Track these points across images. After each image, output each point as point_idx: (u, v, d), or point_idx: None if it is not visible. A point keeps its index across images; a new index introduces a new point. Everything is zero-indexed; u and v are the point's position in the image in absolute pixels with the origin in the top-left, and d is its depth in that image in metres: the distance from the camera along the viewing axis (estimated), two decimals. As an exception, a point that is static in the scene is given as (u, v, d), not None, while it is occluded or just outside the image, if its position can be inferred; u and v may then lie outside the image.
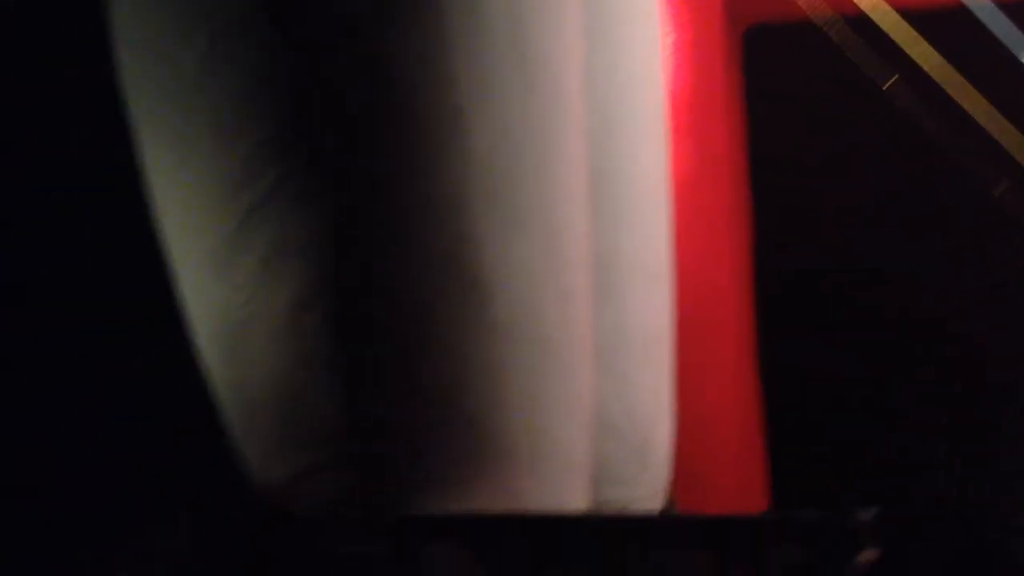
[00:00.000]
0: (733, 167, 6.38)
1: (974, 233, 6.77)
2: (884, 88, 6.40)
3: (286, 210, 3.18)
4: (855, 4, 6.18)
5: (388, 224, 3.17)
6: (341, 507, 3.17)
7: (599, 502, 4.16)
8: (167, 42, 3.32)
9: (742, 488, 6.06)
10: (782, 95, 6.78)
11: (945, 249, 6.80)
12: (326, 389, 3.16)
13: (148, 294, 3.46)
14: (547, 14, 3.45)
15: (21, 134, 3.79)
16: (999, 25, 6.02)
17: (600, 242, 3.91)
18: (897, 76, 6.34)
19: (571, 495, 3.49)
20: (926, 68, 6.18)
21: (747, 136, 6.59)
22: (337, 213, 3.18)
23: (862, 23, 6.27)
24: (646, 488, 4.58)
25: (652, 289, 4.55)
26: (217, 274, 3.30)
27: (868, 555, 2.84)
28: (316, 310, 3.16)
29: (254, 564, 3.06)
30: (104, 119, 3.57)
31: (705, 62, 6.19)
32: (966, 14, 6.06)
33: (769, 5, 6.67)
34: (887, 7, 6.12)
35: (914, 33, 6.15)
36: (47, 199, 3.77)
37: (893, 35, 6.14)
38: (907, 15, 6.19)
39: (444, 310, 3.15)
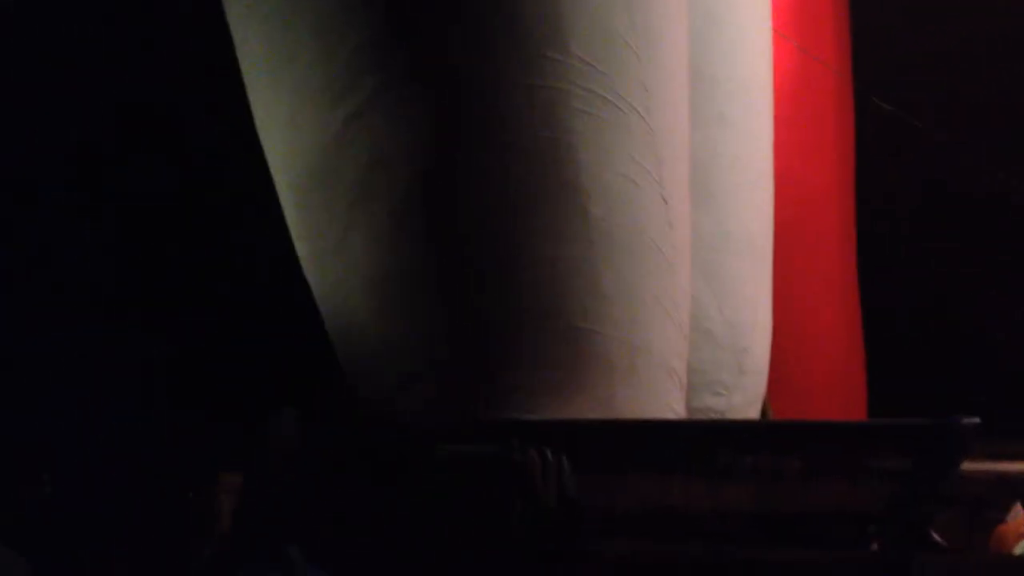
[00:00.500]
0: (839, 68, 6.18)
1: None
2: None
3: (386, 117, 3.17)
4: None
5: (485, 127, 3.14)
6: (441, 412, 3.21)
7: (695, 410, 4.15)
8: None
9: (840, 399, 5.99)
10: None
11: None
12: (427, 291, 3.18)
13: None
14: None
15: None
16: None
17: (700, 143, 3.83)
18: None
19: (668, 402, 3.47)
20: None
21: (852, 40, 6.37)
22: (436, 118, 3.16)
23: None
24: (743, 396, 4.57)
25: (752, 192, 4.48)
26: (319, 183, 3.32)
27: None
28: (417, 216, 3.17)
29: (357, 467, 3.12)
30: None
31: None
32: None
33: None
34: None
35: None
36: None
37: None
38: None
39: (541, 211, 3.13)
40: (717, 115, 4.27)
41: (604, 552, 2.88)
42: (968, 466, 2.98)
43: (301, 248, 3.53)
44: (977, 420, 2.77)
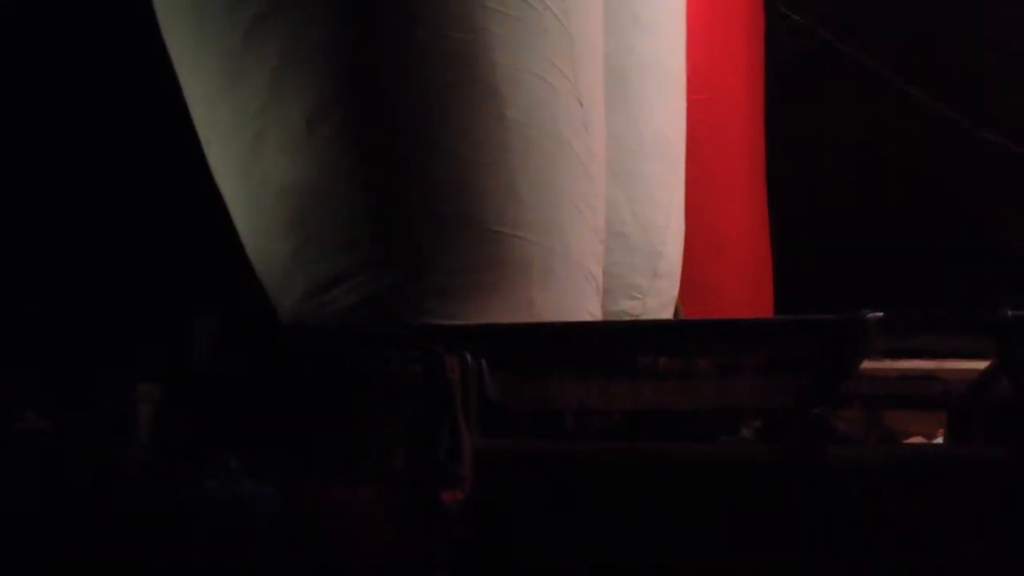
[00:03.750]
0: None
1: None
2: None
3: (294, 17, 3.10)
4: None
5: (399, 27, 3.09)
6: (358, 318, 3.20)
7: (611, 313, 4.21)
8: None
9: (750, 299, 6.10)
10: None
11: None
12: (343, 198, 3.15)
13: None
14: None
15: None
16: None
17: (614, 45, 3.82)
18: None
19: (585, 306, 3.51)
20: None
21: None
22: (345, 17, 3.10)
23: None
24: (657, 299, 4.63)
25: (666, 96, 4.49)
26: (228, 88, 3.24)
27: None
28: (330, 118, 3.12)
29: (275, 378, 3.10)
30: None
31: None
32: None
33: None
34: None
35: None
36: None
37: None
38: None
39: (457, 113, 3.10)
40: (632, 17, 4.26)
41: (523, 452, 2.93)
42: (868, 365, 3.08)
43: (212, 157, 3.46)
44: (881, 314, 2.85)
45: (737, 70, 5.90)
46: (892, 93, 6.66)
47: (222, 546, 2.34)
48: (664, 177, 4.55)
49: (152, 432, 2.74)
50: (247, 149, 3.26)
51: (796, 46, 6.55)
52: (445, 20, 3.07)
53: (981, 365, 2.94)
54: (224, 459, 2.38)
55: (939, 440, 3.29)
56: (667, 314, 4.68)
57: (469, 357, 2.88)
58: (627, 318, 4.40)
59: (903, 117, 6.71)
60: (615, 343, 3.18)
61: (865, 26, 6.71)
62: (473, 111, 3.12)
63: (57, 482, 2.47)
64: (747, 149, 6.07)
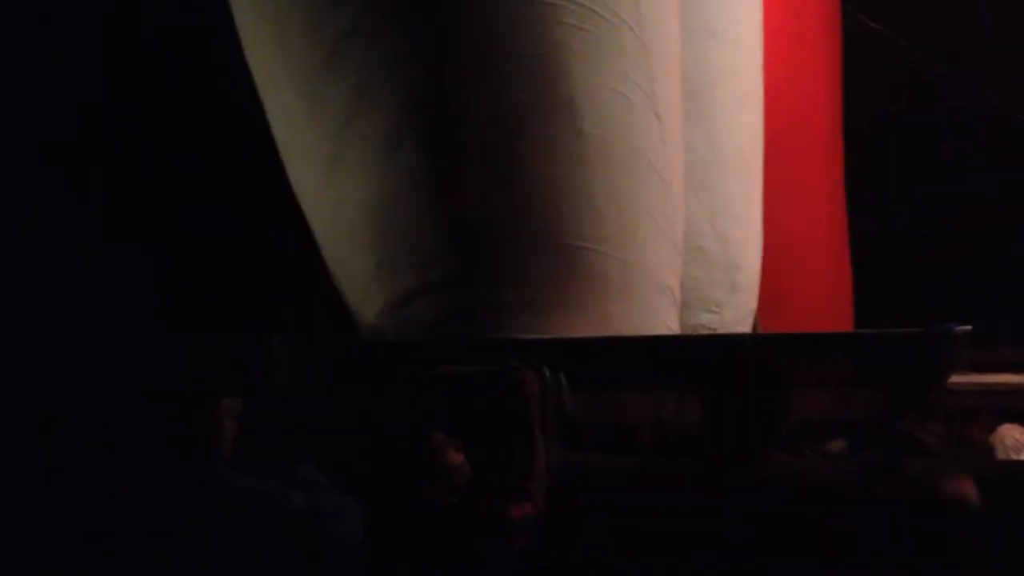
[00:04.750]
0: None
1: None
2: None
3: (374, 34, 3.14)
4: None
5: (476, 43, 3.12)
6: (437, 332, 3.22)
7: (689, 327, 4.18)
8: None
9: (828, 312, 6.02)
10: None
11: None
12: (422, 213, 3.18)
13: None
14: None
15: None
16: None
17: (691, 59, 3.81)
18: None
19: (663, 319, 3.49)
20: None
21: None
22: (424, 34, 3.13)
23: None
24: (734, 312, 4.59)
25: (743, 109, 4.46)
26: (310, 105, 3.30)
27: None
28: (408, 135, 3.15)
29: (354, 392, 3.13)
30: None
31: None
32: None
33: None
34: None
35: None
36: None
37: None
38: None
39: (534, 129, 3.12)
40: (708, 30, 4.24)
41: (600, 467, 2.92)
42: (956, 379, 3.02)
43: (293, 173, 3.52)
44: (968, 327, 2.80)
45: (816, 81, 5.85)
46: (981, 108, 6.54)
47: (304, 560, 2.36)
48: (742, 190, 4.52)
49: (233, 447, 2.77)
50: (327, 166, 3.31)
51: (877, 59, 6.45)
52: (522, 35, 3.09)
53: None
54: (306, 473, 2.41)
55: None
56: (745, 328, 4.64)
57: (547, 371, 2.88)
58: (705, 332, 4.37)
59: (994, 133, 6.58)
60: (692, 355, 3.16)
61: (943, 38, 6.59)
62: (550, 126, 3.13)
63: (143, 494, 2.51)
64: (825, 161, 6.00)
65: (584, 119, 3.15)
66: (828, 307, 6.05)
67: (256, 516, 2.31)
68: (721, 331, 4.40)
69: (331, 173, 3.31)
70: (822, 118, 5.91)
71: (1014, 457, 3.74)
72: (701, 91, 4.15)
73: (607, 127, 3.20)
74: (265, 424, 2.80)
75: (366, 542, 2.33)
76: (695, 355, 3.22)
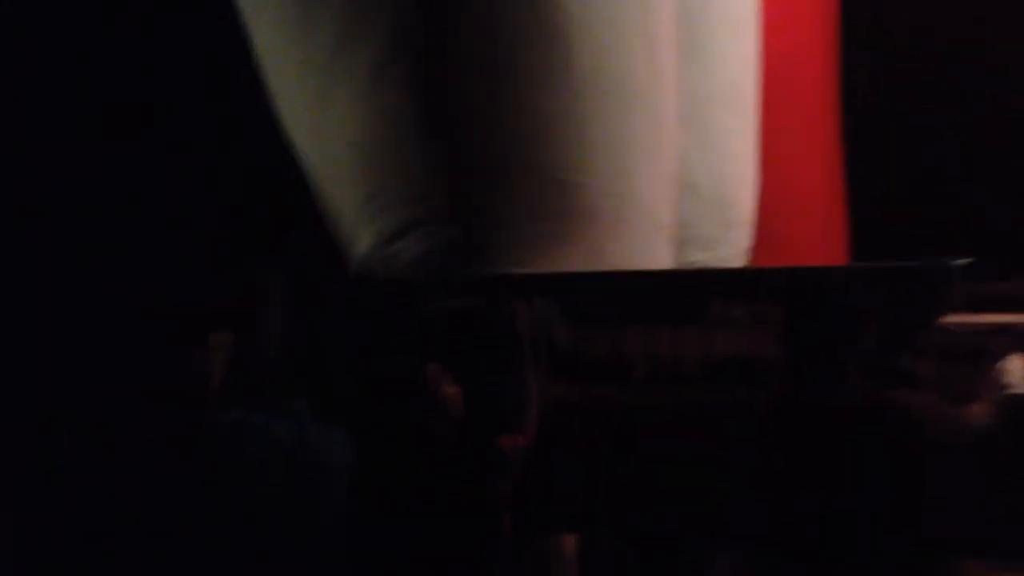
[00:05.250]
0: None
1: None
2: None
3: None
4: None
5: None
6: (426, 267, 3.20)
7: (683, 264, 4.15)
8: None
9: (823, 251, 6.00)
10: None
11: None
12: (410, 147, 3.15)
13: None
14: None
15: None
16: None
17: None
18: None
19: (656, 255, 3.47)
20: None
21: None
22: None
23: None
24: (728, 249, 4.57)
25: (739, 43, 4.40)
26: (296, 36, 3.24)
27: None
28: (397, 66, 3.11)
29: (346, 327, 3.12)
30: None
31: None
32: None
33: None
34: None
35: None
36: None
37: None
38: None
39: (526, 60, 3.07)
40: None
41: (585, 400, 2.91)
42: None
43: (282, 108, 3.47)
44: (968, 260, 2.78)
45: (812, 19, 5.76)
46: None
47: (292, 486, 2.37)
48: (737, 126, 4.47)
49: (224, 380, 2.76)
50: (315, 99, 3.26)
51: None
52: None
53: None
54: (292, 404, 2.41)
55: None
56: (739, 264, 4.62)
57: (538, 305, 2.87)
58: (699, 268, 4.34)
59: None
60: (686, 290, 3.14)
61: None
62: (541, 58, 3.09)
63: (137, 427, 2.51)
64: (822, 100, 5.92)
65: (576, 51, 3.10)
66: (823, 246, 6.02)
67: (243, 447, 2.31)
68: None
69: (319, 107, 3.27)
70: (819, 55, 5.84)
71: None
72: (696, 24, 4.08)
73: (600, 60, 3.15)
74: (256, 359, 2.79)
75: (355, 471, 2.34)
76: (687, 288, 3.22)
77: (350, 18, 3.14)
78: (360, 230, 3.33)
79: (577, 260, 3.21)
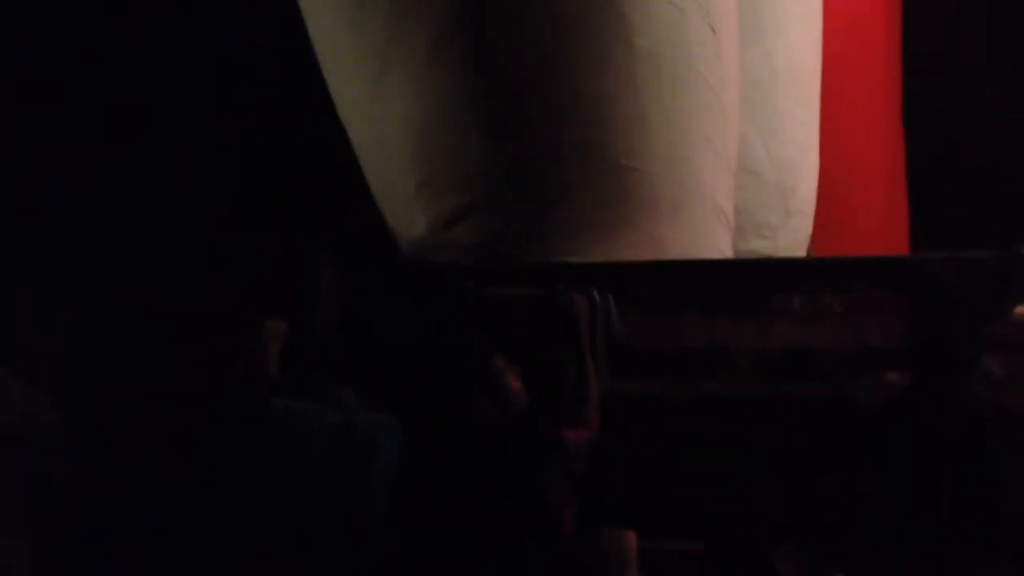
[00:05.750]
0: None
1: None
2: None
3: None
4: None
5: None
6: (482, 255, 3.15)
7: (741, 252, 4.07)
8: None
9: (884, 239, 5.88)
10: None
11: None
12: (466, 132, 3.08)
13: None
14: None
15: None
16: None
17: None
18: None
19: (715, 243, 3.39)
20: None
21: None
22: None
23: None
24: (789, 237, 4.47)
25: (801, 24, 4.29)
26: (352, 20, 3.20)
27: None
28: (453, 47, 3.04)
29: (402, 312, 3.09)
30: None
31: None
32: None
33: None
34: None
35: None
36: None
37: None
38: None
39: (585, 41, 3.00)
40: (766, -60, 4.07)
41: (647, 394, 2.86)
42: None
43: (336, 91, 3.43)
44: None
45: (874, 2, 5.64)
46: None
47: (339, 474, 2.34)
48: (798, 111, 4.37)
49: (280, 367, 2.74)
50: (371, 82, 3.21)
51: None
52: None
53: None
54: (341, 393, 2.38)
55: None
56: (800, 252, 4.53)
57: (596, 295, 2.81)
58: (758, 257, 4.26)
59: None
60: (747, 281, 3.06)
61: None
62: (601, 39, 3.01)
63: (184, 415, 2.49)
64: (884, 84, 5.80)
65: (636, 32, 3.02)
66: (885, 234, 5.91)
67: (293, 433, 2.29)
68: (775, 256, 4.29)
69: (375, 91, 3.22)
70: (882, 38, 5.71)
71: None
72: (757, 6, 3.99)
73: (660, 41, 3.07)
74: (309, 345, 2.76)
75: (405, 461, 2.31)
76: (749, 279, 3.13)
77: (404, 3, 3.09)
78: (414, 215, 3.29)
79: (635, 248, 3.14)
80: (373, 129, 3.29)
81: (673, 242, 3.22)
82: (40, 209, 3.54)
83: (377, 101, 3.22)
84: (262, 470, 2.27)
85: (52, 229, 3.45)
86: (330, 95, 3.45)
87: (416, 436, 2.31)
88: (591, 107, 3.03)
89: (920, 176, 6.19)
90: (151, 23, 3.92)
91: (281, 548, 2.26)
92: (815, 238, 4.77)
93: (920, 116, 6.20)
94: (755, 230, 4.21)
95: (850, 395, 2.92)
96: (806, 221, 4.54)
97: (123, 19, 3.91)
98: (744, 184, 3.84)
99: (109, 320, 2.77)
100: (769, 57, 4.11)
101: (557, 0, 2.99)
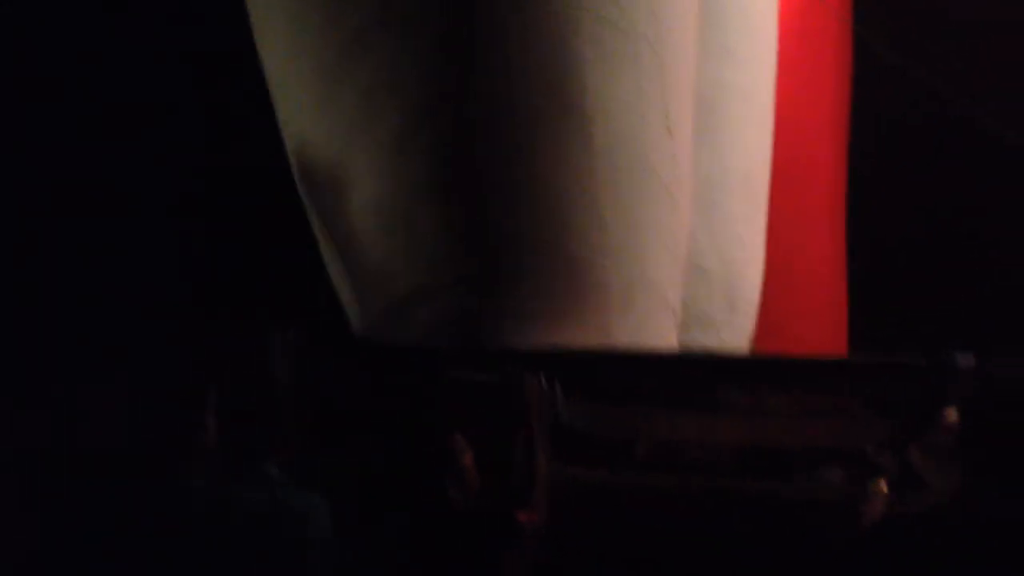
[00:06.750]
0: (840, 11, 6.09)
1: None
2: None
3: (389, 36, 3.12)
4: None
5: (490, 50, 3.10)
6: (436, 337, 3.19)
7: (685, 345, 4.15)
8: None
9: (823, 340, 5.99)
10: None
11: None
12: (426, 216, 3.16)
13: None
14: None
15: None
16: None
17: (705, 76, 3.79)
18: None
19: (661, 335, 3.47)
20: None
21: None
22: (440, 40, 3.11)
23: None
24: (732, 333, 4.56)
25: (754, 129, 4.44)
26: (320, 105, 3.27)
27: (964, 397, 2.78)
28: (418, 139, 3.13)
29: (355, 393, 3.10)
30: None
31: None
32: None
33: None
34: None
35: None
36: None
37: None
38: None
39: (545, 137, 3.09)
40: (724, 49, 4.21)
41: (592, 481, 2.89)
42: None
43: (299, 171, 3.49)
44: (972, 358, 2.77)
45: (825, 109, 5.83)
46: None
47: (271, 554, 2.35)
48: (747, 212, 4.50)
49: (213, 445, 2.74)
50: (335, 165, 3.28)
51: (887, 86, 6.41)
52: (536, 43, 3.07)
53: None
54: (265, 469, 2.39)
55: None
56: (743, 350, 4.61)
57: (544, 380, 2.86)
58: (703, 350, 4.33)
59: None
60: (694, 374, 3.14)
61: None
62: (560, 136, 3.12)
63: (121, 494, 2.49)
64: (830, 189, 5.97)
65: (595, 130, 3.13)
66: (823, 335, 6.02)
67: (221, 517, 2.29)
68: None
69: (339, 173, 3.28)
70: (829, 145, 5.89)
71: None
72: (713, 108, 4.12)
73: (618, 140, 3.18)
74: (247, 422, 2.77)
75: (335, 541, 2.32)
76: (696, 372, 3.21)
77: (375, 88, 3.17)
78: (369, 296, 3.33)
79: (585, 336, 3.21)
80: (334, 208, 3.35)
81: (621, 332, 3.29)
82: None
83: (341, 181, 3.29)
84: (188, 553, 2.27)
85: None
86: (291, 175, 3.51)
87: (373, 513, 2.33)
88: (548, 200, 3.12)
89: (861, 277, 6.33)
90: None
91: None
92: (755, 336, 4.86)
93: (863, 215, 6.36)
94: (699, 324, 4.30)
95: (792, 489, 2.99)
96: (749, 319, 4.64)
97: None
98: (691, 279, 3.94)
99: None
100: (721, 157, 4.24)
101: (519, 96, 3.09)
